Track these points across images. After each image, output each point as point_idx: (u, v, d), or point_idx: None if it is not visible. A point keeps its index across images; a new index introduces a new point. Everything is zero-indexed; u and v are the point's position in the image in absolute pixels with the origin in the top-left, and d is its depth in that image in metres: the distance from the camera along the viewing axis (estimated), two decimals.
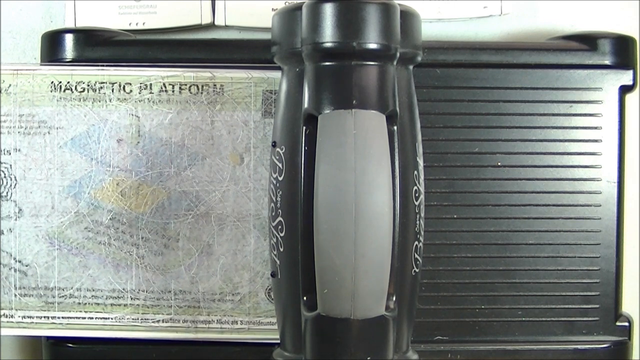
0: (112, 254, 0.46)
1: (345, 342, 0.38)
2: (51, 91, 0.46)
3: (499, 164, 0.47)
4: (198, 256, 0.46)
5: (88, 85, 0.46)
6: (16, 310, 0.46)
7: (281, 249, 0.40)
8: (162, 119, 0.46)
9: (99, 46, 0.47)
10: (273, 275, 0.41)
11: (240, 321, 0.46)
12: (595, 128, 0.47)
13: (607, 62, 0.47)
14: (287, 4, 0.48)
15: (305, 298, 0.39)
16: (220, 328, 0.46)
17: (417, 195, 0.40)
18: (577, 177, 0.47)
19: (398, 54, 0.39)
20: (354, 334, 0.38)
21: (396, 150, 0.39)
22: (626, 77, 0.47)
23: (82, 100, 0.46)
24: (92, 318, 0.46)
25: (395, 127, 0.39)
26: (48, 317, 0.46)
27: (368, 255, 0.37)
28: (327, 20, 0.38)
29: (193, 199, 0.46)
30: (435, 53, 0.47)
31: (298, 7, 0.39)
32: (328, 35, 0.38)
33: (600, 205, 0.47)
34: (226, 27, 0.50)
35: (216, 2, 0.50)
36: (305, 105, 0.39)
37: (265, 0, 0.50)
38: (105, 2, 0.50)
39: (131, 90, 0.46)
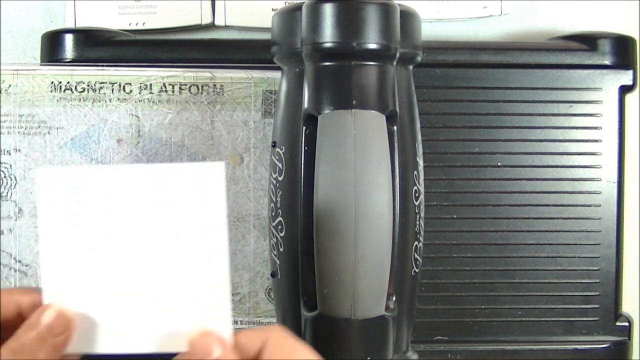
0: None
1: (345, 342, 0.38)
2: (51, 91, 0.46)
3: (499, 164, 0.47)
4: None
5: (88, 85, 0.46)
6: None
7: (281, 249, 0.40)
8: (162, 119, 0.46)
9: (99, 46, 0.47)
10: (273, 275, 0.41)
11: (240, 321, 0.46)
12: (595, 128, 0.47)
13: (607, 62, 0.47)
14: (287, 4, 0.48)
15: (305, 298, 0.39)
16: None
17: (417, 195, 0.40)
18: (577, 177, 0.47)
19: (398, 54, 0.39)
20: (354, 334, 0.38)
21: (396, 150, 0.39)
22: (626, 77, 0.47)
23: (82, 100, 0.46)
24: None
25: (395, 127, 0.39)
26: None
27: (368, 255, 0.37)
28: (327, 20, 0.38)
29: None
30: (435, 53, 0.47)
31: (298, 7, 0.39)
32: (328, 35, 0.38)
33: (600, 205, 0.47)
34: (226, 27, 0.50)
35: (216, 2, 0.50)
36: (305, 105, 0.39)
37: (265, 0, 0.50)
38: (105, 2, 0.50)
39: (131, 90, 0.46)
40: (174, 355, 0.34)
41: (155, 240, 0.34)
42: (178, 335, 0.34)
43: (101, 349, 0.34)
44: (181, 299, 0.34)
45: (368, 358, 0.38)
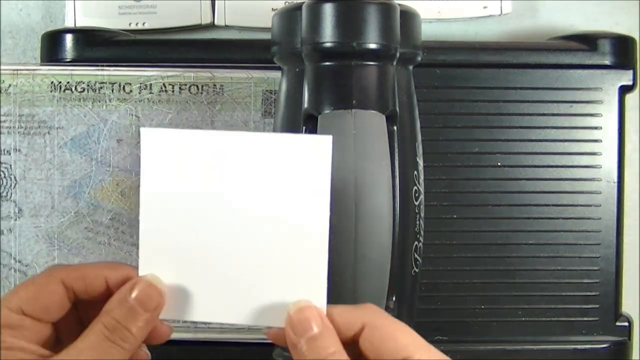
0: (112, 254, 0.46)
1: None
2: (51, 91, 0.46)
3: (499, 164, 0.47)
4: None
5: (88, 85, 0.46)
6: None
7: None
8: (162, 119, 0.46)
9: (99, 46, 0.47)
10: None
11: None
12: (595, 128, 0.47)
13: (607, 62, 0.47)
14: (287, 4, 0.48)
15: None
16: (220, 328, 0.46)
17: (417, 195, 0.40)
18: (577, 177, 0.47)
19: (398, 54, 0.39)
20: None
21: (396, 150, 0.39)
22: (626, 77, 0.47)
23: (82, 100, 0.46)
24: None
25: (395, 127, 0.39)
26: None
27: (368, 255, 0.37)
28: (327, 20, 0.38)
29: None
30: (435, 53, 0.47)
31: (298, 7, 0.39)
32: (328, 35, 0.38)
33: (600, 205, 0.47)
34: (226, 27, 0.50)
35: (216, 2, 0.50)
36: (305, 105, 0.39)
37: (265, 0, 0.50)
38: (105, 2, 0.50)
39: (131, 90, 0.46)
40: (267, 329, 0.34)
41: (256, 208, 0.34)
42: (273, 309, 0.33)
43: (194, 317, 0.34)
44: (278, 271, 0.34)
45: None
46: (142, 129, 0.34)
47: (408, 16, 0.40)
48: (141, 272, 0.34)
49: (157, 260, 0.34)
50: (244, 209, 0.34)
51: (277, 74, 0.43)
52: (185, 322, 0.46)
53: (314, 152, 0.33)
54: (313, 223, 0.33)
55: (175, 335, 0.46)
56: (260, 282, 0.34)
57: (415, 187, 0.40)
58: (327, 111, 0.38)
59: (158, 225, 0.34)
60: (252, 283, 0.34)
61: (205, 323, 0.46)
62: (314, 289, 0.33)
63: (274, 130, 0.41)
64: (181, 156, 0.34)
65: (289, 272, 0.33)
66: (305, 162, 0.34)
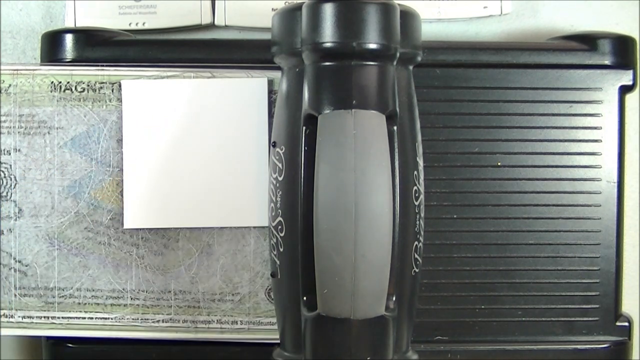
0: (112, 254, 0.46)
1: (345, 342, 0.38)
2: (51, 91, 0.46)
3: (499, 164, 0.47)
4: (198, 256, 0.46)
5: (88, 85, 0.46)
6: (16, 310, 0.46)
7: (281, 249, 0.40)
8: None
9: (99, 46, 0.47)
10: (273, 275, 0.41)
11: (240, 321, 0.46)
12: (595, 128, 0.47)
13: (607, 62, 0.47)
14: (287, 4, 0.48)
15: (305, 298, 0.39)
16: (220, 328, 0.46)
17: (417, 195, 0.40)
18: (577, 177, 0.47)
19: (398, 54, 0.39)
20: (354, 334, 0.38)
21: (396, 150, 0.39)
22: (626, 77, 0.47)
23: (82, 100, 0.46)
24: (92, 318, 0.46)
25: (395, 127, 0.39)
26: (48, 317, 0.46)
27: (368, 255, 0.37)
28: (327, 20, 0.38)
29: None
30: (435, 53, 0.47)
31: (298, 7, 0.39)
32: (328, 35, 0.38)
33: (600, 205, 0.47)
34: (226, 27, 0.50)
35: (216, 2, 0.50)
36: (305, 105, 0.39)
37: (265, 0, 0.50)
38: (105, 2, 0.50)
39: None
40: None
41: (214, 137, 0.44)
42: (225, 213, 0.45)
43: (166, 224, 0.45)
44: (230, 186, 0.44)
45: (368, 358, 0.38)
46: (122, 82, 0.45)
47: (408, 16, 0.40)
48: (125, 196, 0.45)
49: (136, 182, 0.45)
50: (204, 137, 0.44)
51: (277, 74, 0.43)
52: (185, 321, 0.46)
53: (254, 91, 0.44)
54: (254, 154, 0.44)
55: (175, 335, 0.46)
56: (216, 194, 0.44)
57: (415, 187, 0.40)
58: (327, 111, 0.38)
59: (137, 154, 0.44)
60: (209, 195, 0.44)
61: (205, 322, 0.46)
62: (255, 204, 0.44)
63: (274, 130, 0.41)
64: (154, 100, 0.44)
65: (238, 188, 0.44)
66: (249, 100, 0.44)
